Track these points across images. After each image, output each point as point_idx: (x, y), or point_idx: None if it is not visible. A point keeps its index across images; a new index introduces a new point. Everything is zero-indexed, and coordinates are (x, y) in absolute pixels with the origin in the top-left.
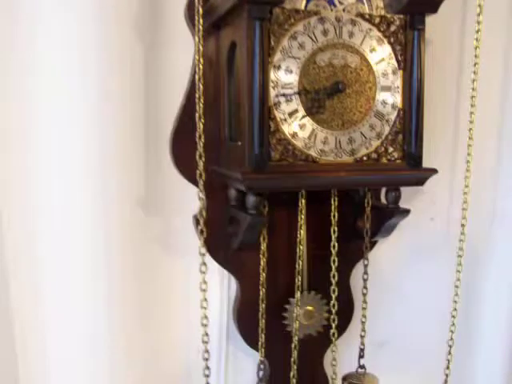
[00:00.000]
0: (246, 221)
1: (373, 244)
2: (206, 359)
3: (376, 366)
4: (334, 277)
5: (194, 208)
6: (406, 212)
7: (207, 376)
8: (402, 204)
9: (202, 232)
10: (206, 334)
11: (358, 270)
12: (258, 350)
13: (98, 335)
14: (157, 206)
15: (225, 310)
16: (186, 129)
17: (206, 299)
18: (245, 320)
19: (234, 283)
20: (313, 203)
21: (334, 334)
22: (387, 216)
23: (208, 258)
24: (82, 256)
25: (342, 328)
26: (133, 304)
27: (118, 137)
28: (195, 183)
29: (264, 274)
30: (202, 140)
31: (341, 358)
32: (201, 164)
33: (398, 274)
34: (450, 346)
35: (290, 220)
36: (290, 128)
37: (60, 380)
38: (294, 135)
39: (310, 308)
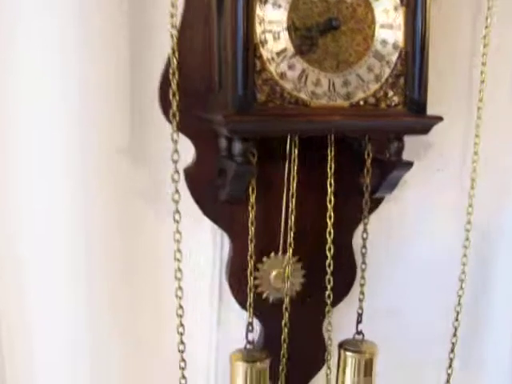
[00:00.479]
0: (232, 169)
1: (378, 202)
2: (180, 316)
3: (377, 333)
4: (329, 234)
5: (185, 158)
6: (409, 164)
7: (181, 334)
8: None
9: (175, 176)
10: (180, 288)
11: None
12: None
13: (79, 307)
14: (144, 158)
15: (217, 269)
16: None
17: (179, 250)
18: (236, 279)
19: (227, 242)
20: (310, 154)
21: (329, 295)
22: (389, 169)
23: (199, 214)
24: (63, 226)
25: (343, 292)
26: (116, 262)
27: (101, 86)
28: (185, 133)
29: (253, 229)
30: (176, 77)
31: (342, 324)
32: (174, 103)
33: (403, 235)
34: (458, 312)
35: (282, 172)
36: (277, 68)
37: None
38: (283, 75)
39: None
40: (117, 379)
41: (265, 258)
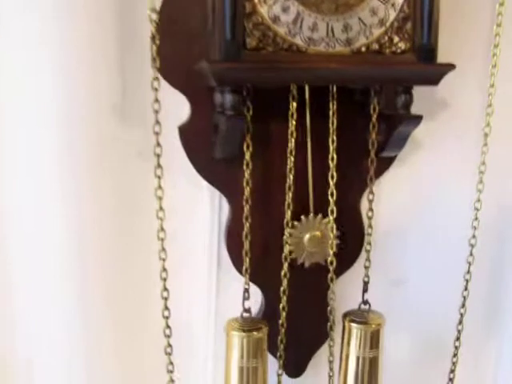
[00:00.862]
0: (223, 124)
1: (387, 163)
2: (164, 279)
3: (384, 304)
4: (332, 195)
5: (180, 116)
6: (418, 118)
7: (165, 299)
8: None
9: (156, 127)
10: (163, 249)
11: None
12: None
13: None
14: (137, 116)
15: (215, 233)
16: (170, 25)
17: (161, 208)
18: (234, 242)
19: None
20: (313, 109)
21: (331, 262)
22: (396, 123)
23: (194, 174)
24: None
25: (350, 259)
26: (111, 232)
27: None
28: (181, 89)
29: (248, 188)
30: (156, 20)
31: (349, 293)
32: (154, 48)
33: (415, 199)
34: (467, 281)
35: (283, 128)
36: (270, 11)
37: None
38: (276, 19)
39: (317, 233)
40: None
41: (296, 223)
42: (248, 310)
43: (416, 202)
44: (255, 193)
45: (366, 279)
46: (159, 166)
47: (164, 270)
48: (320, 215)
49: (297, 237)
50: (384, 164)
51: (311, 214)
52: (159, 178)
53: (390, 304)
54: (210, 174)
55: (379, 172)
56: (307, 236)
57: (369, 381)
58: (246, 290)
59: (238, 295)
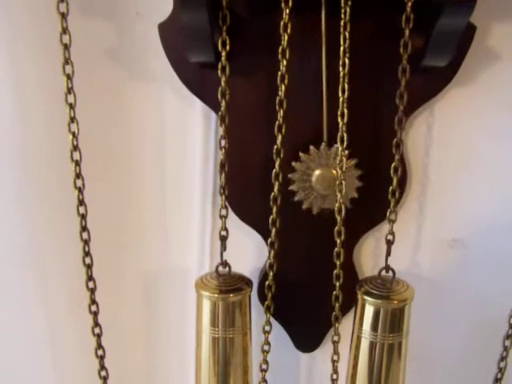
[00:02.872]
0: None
1: (442, 79)
2: (83, 216)
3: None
4: (342, 116)
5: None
6: (469, 3)
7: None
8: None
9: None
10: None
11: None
12: (252, 225)
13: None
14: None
15: (210, 162)
16: None
17: (74, 121)
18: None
19: None
20: None
21: (339, 209)
22: (434, 13)
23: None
24: None
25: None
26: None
27: None
28: None
29: (224, 102)
30: None
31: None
32: None
33: (483, 135)
34: None
35: (276, 20)
36: None
37: None
38: None
39: (333, 171)
40: None
41: (302, 155)
42: (225, 264)
43: (483, 136)
44: (247, 108)
45: (389, 237)
46: (68, 62)
47: (81, 198)
48: (336, 146)
49: (303, 173)
50: (435, 81)
51: (323, 145)
52: (69, 78)
53: (438, 270)
54: (194, 82)
55: (428, 93)
56: (317, 173)
57: (386, 374)
58: (223, 238)
59: (239, 243)
